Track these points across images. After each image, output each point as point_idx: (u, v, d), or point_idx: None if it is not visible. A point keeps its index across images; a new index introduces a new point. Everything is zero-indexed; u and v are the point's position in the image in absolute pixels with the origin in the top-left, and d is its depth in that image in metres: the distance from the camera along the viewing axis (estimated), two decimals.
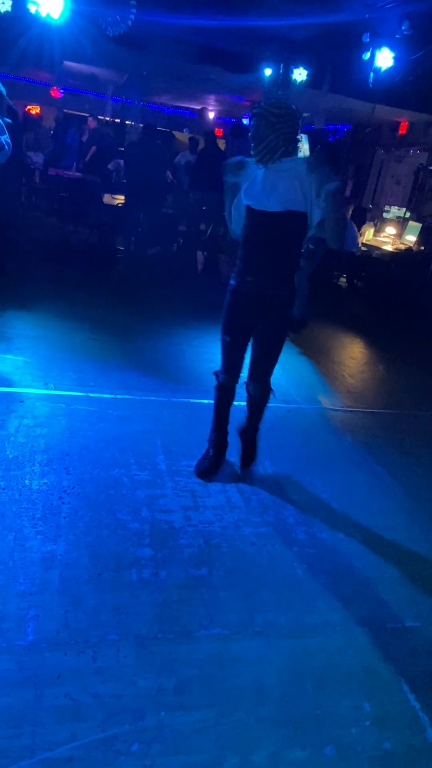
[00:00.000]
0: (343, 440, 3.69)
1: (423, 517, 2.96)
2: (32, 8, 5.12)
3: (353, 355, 5.82)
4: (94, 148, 10.48)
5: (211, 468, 2.97)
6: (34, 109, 14.25)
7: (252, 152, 2.61)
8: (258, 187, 2.59)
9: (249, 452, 3.07)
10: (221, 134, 14.44)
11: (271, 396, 2.99)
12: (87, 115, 11.58)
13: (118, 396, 3.68)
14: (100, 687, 1.73)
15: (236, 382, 2.97)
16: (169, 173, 10.01)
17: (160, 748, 1.59)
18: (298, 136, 2.59)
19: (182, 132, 14.20)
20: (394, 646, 2.08)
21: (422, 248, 8.17)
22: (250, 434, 3.08)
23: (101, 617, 1.98)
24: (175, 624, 2.00)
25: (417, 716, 1.82)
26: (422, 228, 8.37)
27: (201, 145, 9.11)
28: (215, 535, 2.52)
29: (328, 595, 2.28)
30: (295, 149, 2.59)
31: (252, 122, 2.58)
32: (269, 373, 2.94)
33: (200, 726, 1.67)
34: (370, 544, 2.65)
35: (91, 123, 10.94)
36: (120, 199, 7.99)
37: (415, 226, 8.55)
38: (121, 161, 10.78)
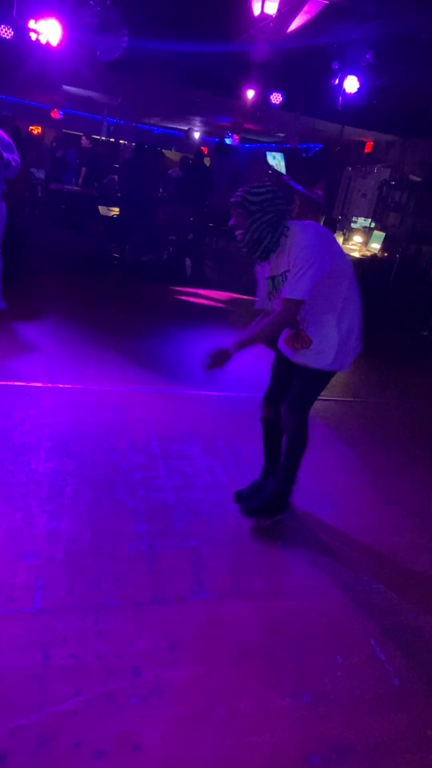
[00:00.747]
0: (315, 426, 3.69)
1: (387, 492, 2.99)
2: (33, 36, 5.03)
3: None
4: (84, 169, 10.37)
5: (241, 495, 2.62)
6: (36, 130, 14.05)
7: (239, 244, 2.20)
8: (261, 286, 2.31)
9: (265, 494, 2.56)
10: (206, 152, 14.35)
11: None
12: (81, 134, 11.41)
13: (116, 389, 3.66)
14: (102, 647, 1.73)
15: (271, 415, 2.55)
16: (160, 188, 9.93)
17: (157, 700, 1.60)
18: (283, 211, 2.14)
19: (170, 150, 14.08)
20: (362, 606, 2.10)
21: (386, 255, 8.22)
22: (277, 472, 2.55)
23: (102, 585, 1.97)
24: (169, 590, 2.01)
25: (383, 667, 1.85)
26: (385, 237, 8.42)
27: (190, 162, 9.06)
28: (204, 512, 2.52)
29: (304, 562, 2.30)
30: (281, 234, 2.12)
31: (232, 212, 2.17)
32: (292, 405, 2.41)
33: (192, 680, 1.68)
34: (341, 517, 2.67)
35: (85, 142, 10.80)
36: (115, 211, 7.91)
37: (379, 235, 8.59)
38: (116, 177, 10.68)
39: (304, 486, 2.88)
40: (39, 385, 3.48)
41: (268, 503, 2.51)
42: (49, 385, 3.52)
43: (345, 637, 1.94)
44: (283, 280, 2.16)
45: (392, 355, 5.87)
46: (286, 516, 2.59)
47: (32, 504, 2.34)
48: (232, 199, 2.15)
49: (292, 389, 2.41)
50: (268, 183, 2.28)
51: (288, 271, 2.13)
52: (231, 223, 2.18)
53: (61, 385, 3.54)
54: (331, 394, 4.32)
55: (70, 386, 3.55)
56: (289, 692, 1.69)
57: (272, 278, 2.23)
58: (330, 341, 2.27)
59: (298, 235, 2.10)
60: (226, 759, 1.47)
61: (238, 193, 2.15)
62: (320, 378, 2.37)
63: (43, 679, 1.60)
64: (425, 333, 6.70)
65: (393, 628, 2.02)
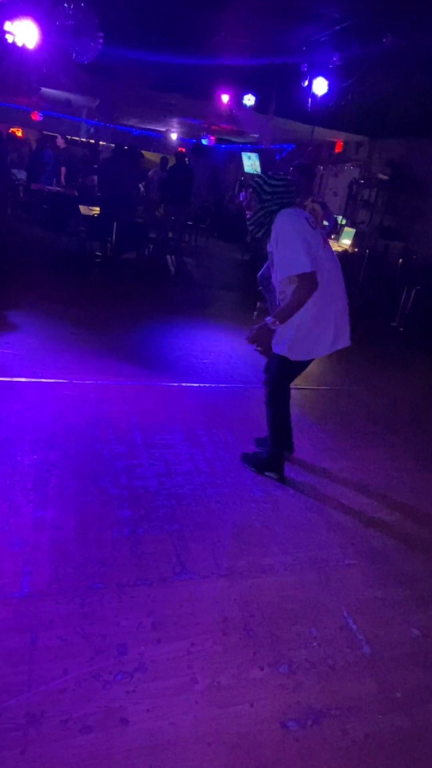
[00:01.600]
0: (291, 412, 3.73)
1: (357, 472, 3.03)
2: (9, 38, 4.90)
3: None
4: (64, 169, 10.19)
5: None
6: (17, 132, 13.76)
7: (247, 221, 2.49)
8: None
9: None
10: (184, 151, 14.23)
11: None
12: (56, 135, 11.16)
13: (98, 382, 3.63)
14: (88, 628, 1.72)
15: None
16: (141, 186, 9.81)
17: (141, 676, 1.60)
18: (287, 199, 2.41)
19: (150, 152, 13.94)
20: (335, 580, 2.14)
21: (356, 250, 8.28)
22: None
23: (87, 570, 1.97)
24: (152, 572, 2.01)
25: (355, 636, 1.89)
26: (356, 233, 8.47)
27: (171, 163, 8.98)
28: (185, 497, 2.53)
29: (281, 541, 2.32)
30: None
31: (247, 191, 2.45)
32: (266, 379, 2.71)
33: (175, 656, 1.69)
34: (316, 497, 2.70)
35: (60, 143, 10.60)
36: (96, 210, 7.80)
37: (350, 231, 8.64)
38: (95, 177, 10.54)
39: None
40: (23, 380, 3.44)
41: (259, 459, 2.83)
42: (33, 379, 3.47)
43: (319, 610, 1.97)
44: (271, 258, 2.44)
45: (363, 345, 5.92)
46: (262, 499, 2.61)
47: (18, 494, 2.31)
48: (251, 182, 2.40)
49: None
50: (286, 176, 2.46)
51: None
52: (241, 198, 2.46)
53: (44, 380, 3.49)
54: (305, 383, 4.36)
55: (53, 380, 3.51)
56: (267, 663, 1.72)
57: (270, 253, 2.51)
58: (288, 330, 2.43)
59: (277, 219, 2.36)
60: (208, 728, 1.49)
61: (257, 179, 2.41)
62: (283, 362, 2.55)
63: (31, 661, 1.59)
64: (394, 324, 6.78)
65: (364, 599, 2.06)
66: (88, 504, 2.34)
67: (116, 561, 2.03)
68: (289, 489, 2.74)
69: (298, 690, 1.64)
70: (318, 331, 2.47)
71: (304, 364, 2.62)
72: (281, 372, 2.61)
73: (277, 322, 2.36)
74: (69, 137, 13.43)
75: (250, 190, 2.41)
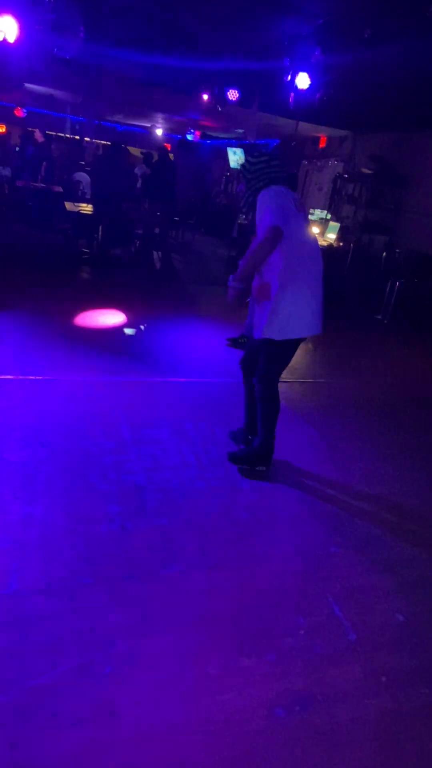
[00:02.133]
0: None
1: (343, 463, 3.06)
2: None
3: None
4: (45, 163, 10.05)
5: (235, 435, 3.03)
6: (0, 128, 13.54)
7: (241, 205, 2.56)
8: None
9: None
10: (169, 148, 14.11)
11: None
12: (35, 130, 10.94)
13: (86, 379, 3.61)
14: (77, 623, 1.72)
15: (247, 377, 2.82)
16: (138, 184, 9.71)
17: (130, 669, 1.61)
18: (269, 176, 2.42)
19: (134, 147, 13.80)
20: (321, 569, 2.15)
21: (341, 244, 8.29)
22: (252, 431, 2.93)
23: (76, 565, 1.96)
24: (141, 566, 2.01)
25: (341, 624, 1.90)
26: (340, 227, 8.48)
27: (155, 159, 8.89)
28: (173, 490, 2.53)
29: (267, 531, 2.34)
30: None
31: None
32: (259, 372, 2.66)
33: (164, 647, 1.69)
34: (301, 488, 2.72)
35: (39, 137, 10.43)
36: (82, 206, 7.72)
37: (334, 225, 8.65)
38: (83, 173, 10.41)
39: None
40: (10, 377, 3.40)
41: (250, 455, 2.77)
42: (20, 377, 3.44)
43: (306, 599, 1.99)
44: None
45: (348, 338, 5.96)
46: (249, 491, 2.62)
47: (5, 492, 2.29)
48: (237, 143, 2.47)
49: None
50: (265, 153, 2.47)
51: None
52: (240, 189, 2.53)
53: (31, 377, 3.46)
54: (291, 376, 4.37)
55: (40, 378, 3.48)
56: (254, 652, 1.73)
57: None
58: (267, 313, 2.45)
59: (261, 193, 2.39)
60: (197, 717, 1.50)
61: (242, 164, 2.45)
62: (269, 346, 2.55)
63: (21, 657, 1.59)
64: (378, 317, 6.82)
65: (349, 587, 2.08)
66: (76, 500, 2.33)
67: (105, 556, 2.03)
68: (276, 480, 2.75)
69: (285, 677, 1.66)
70: (297, 311, 2.47)
71: (292, 348, 2.60)
72: (271, 357, 2.58)
73: (242, 279, 2.39)
74: (55, 133, 13.26)
75: (241, 175, 2.47)
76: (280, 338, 2.48)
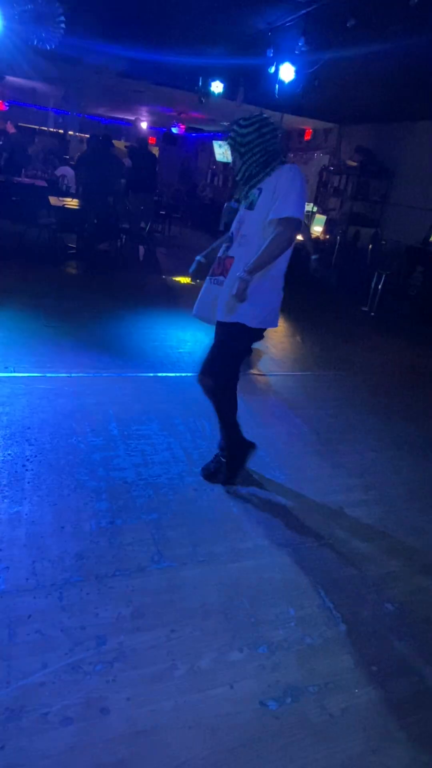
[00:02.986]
0: (267, 399, 3.75)
1: (332, 456, 3.06)
2: None
3: (276, 329, 5.87)
4: (5, 154, 9.85)
5: (209, 471, 2.63)
6: None
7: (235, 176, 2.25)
8: None
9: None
10: (154, 142, 13.97)
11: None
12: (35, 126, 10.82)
13: (73, 374, 3.57)
14: (67, 621, 1.70)
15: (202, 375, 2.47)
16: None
17: (121, 665, 1.59)
18: (269, 144, 2.15)
19: (120, 141, 13.65)
20: (312, 561, 2.15)
21: (327, 237, 8.30)
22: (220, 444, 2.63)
23: (65, 563, 1.94)
24: (131, 562, 1.99)
25: (332, 615, 1.91)
26: (326, 220, 8.48)
27: (135, 149, 8.79)
28: (163, 486, 2.51)
29: (257, 525, 2.33)
30: (271, 171, 2.16)
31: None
32: (216, 368, 2.39)
33: (154, 643, 1.68)
34: (291, 482, 2.72)
35: (10, 128, 10.25)
36: (67, 201, 7.61)
37: (320, 218, 8.65)
38: (67, 168, 10.25)
39: (257, 456, 2.91)
40: None
41: (227, 470, 2.57)
42: (6, 374, 3.38)
43: (297, 590, 1.99)
44: (249, 195, 2.18)
45: (335, 330, 5.97)
46: (239, 485, 2.61)
47: None
48: (226, 140, 2.22)
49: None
50: (256, 116, 2.19)
51: (255, 189, 2.15)
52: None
53: (18, 374, 3.41)
54: (279, 369, 4.37)
55: (27, 374, 3.43)
56: (246, 645, 1.72)
57: (244, 198, 2.24)
58: (252, 295, 2.17)
59: (287, 171, 2.13)
60: (189, 713, 1.49)
61: (230, 135, 2.17)
62: (239, 332, 2.28)
63: (9, 657, 1.57)
64: (365, 309, 6.84)
65: (340, 578, 2.09)
66: (65, 497, 2.31)
67: (94, 553, 2.01)
68: (266, 474, 2.74)
69: (277, 669, 1.66)
70: (275, 299, 2.30)
71: (257, 337, 2.34)
72: (237, 345, 2.31)
73: (252, 274, 2.08)
74: (38, 127, 13.04)
75: (230, 151, 2.18)
76: (257, 326, 2.26)
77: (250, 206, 2.18)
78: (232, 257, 2.24)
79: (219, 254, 2.36)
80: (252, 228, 2.19)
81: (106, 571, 1.93)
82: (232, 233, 2.32)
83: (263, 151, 2.13)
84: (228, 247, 2.30)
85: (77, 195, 8.05)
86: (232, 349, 2.33)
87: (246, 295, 2.11)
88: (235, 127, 2.16)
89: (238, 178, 2.24)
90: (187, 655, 1.66)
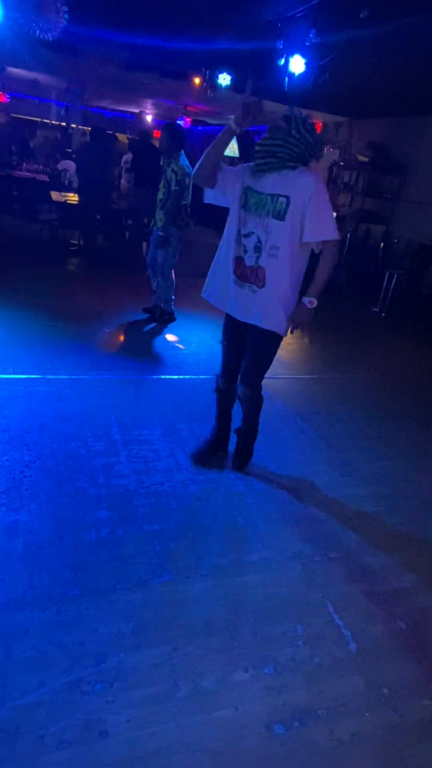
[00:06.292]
0: (275, 403, 3.71)
1: (341, 463, 3.03)
2: None
3: None
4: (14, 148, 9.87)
5: (202, 453, 2.81)
6: None
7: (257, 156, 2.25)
8: None
9: (239, 452, 2.81)
10: (159, 135, 13.95)
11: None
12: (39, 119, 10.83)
13: (74, 377, 3.55)
14: (65, 637, 1.68)
15: (230, 385, 2.67)
16: (117, 172, 9.55)
17: (121, 685, 1.57)
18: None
19: (124, 134, 13.66)
20: (320, 575, 2.12)
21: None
22: (241, 435, 2.80)
23: (64, 575, 1.92)
24: (132, 575, 1.97)
25: (341, 633, 1.88)
26: (336, 216, 8.42)
27: (137, 142, 8.78)
28: (165, 494, 2.48)
29: (264, 536, 2.30)
30: (291, 167, 2.24)
31: (267, 134, 2.22)
32: (255, 377, 2.54)
33: (156, 662, 1.66)
34: (299, 491, 2.69)
35: (1, 118, 10.28)
36: (69, 196, 7.61)
37: None
38: (70, 161, 10.25)
39: (262, 462, 2.89)
40: None
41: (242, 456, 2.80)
42: (4, 375, 3.37)
43: (305, 607, 1.96)
44: (271, 201, 2.20)
45: (345, 331, 5.93)
46: (245, 494, 2.58)
47: None
48: (291, 118, 2.22)
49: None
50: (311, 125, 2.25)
51: (278, 195, 2.18)
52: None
53: (17, 375, 3.40)
54: (287, 371, 4.33)
55: (26, 376, 3.41)
56: (251, 665, 1.69)
57: (256, 193, 2.25)
58: (286, 305, 2.37)
59: (318, 184, 2.17)
60: (192, 736, 1.46)
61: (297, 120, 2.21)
62: (277, 342, 2.49)
63: (5, 674, 1.55)
64: (376, 309, 6.79)
65: (349, 594, 2.05)
66: (64, 506, 2.29)
67: (94, 565, 1.99)
68: (273, 483, 2.72)
69: (284, 691, 1.63)
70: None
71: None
72: (274, 352, 2.51)
73: (317, 297, 2.30)
74: (40, 119, 13.03)
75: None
76: (285, 335, 2.45)
77: (278, 215, 2.20)
78: (264, 268, 2.29)
79: (247, 262, 2.33)
80: (283, 240, 2.22)
81: (106, 585, 1.91)
82: (255, 237, 2.28)
83: (304, 142, 2.20)
84: (257, 257, 2.29)
85: (78, 189, 8.03)
86: (272, 356, 2.51)
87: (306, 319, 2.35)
88: (297, 129, 2.19)
89: (258, 156, 2.23)
90: (190, 674, 1.63)
